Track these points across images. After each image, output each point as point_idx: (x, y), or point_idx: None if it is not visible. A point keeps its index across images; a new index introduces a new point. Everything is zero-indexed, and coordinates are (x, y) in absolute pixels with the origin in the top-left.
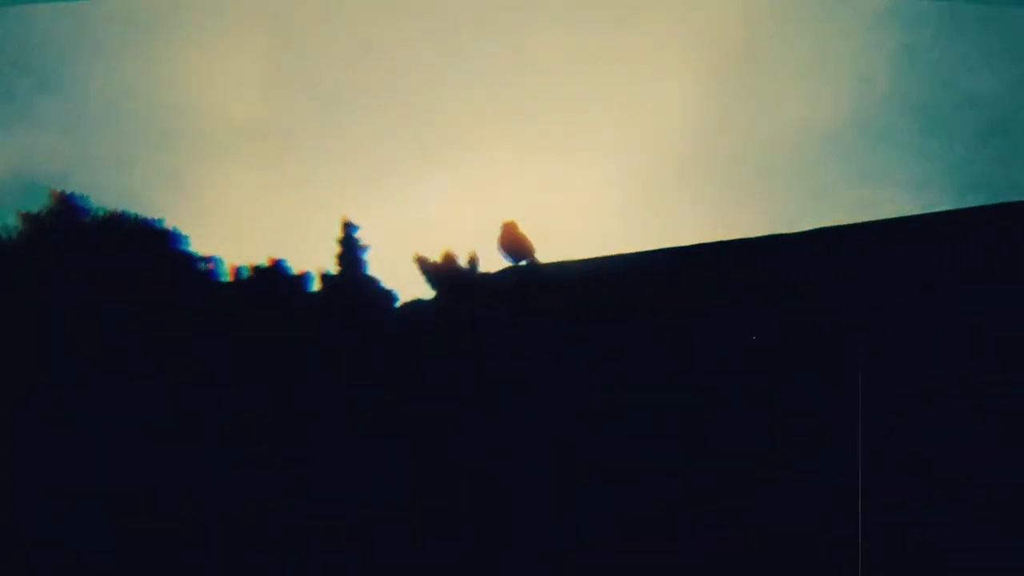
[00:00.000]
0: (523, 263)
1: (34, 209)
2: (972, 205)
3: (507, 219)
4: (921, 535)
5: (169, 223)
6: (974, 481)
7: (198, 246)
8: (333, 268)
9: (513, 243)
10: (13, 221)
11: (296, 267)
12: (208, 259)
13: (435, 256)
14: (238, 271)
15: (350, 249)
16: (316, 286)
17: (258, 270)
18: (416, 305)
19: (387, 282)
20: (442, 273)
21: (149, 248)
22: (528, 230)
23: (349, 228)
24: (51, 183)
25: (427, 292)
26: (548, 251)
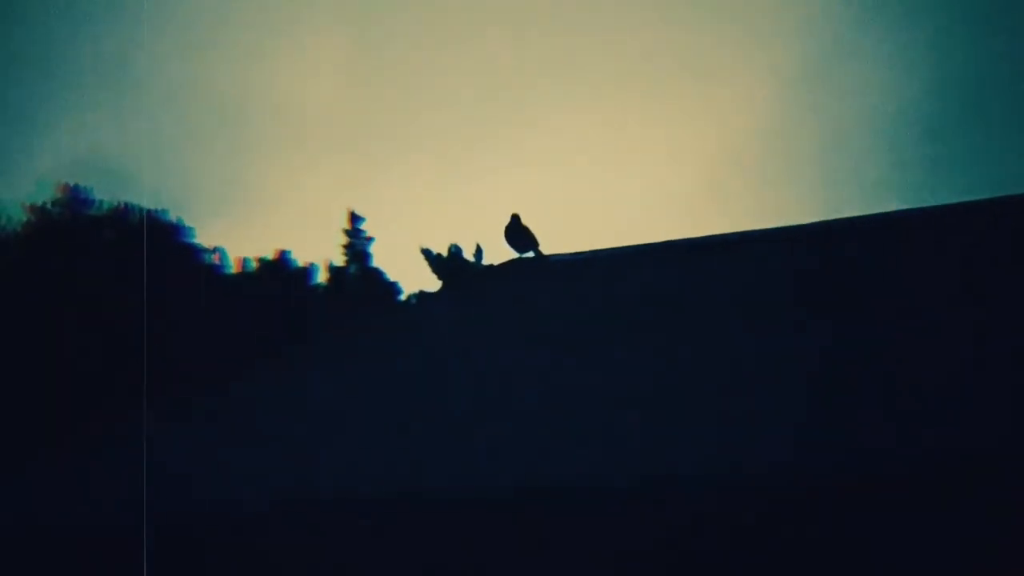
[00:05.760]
0: (529, 255)
1: (39, 201)
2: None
3: (513, 211)
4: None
5: (174, 215)
6: None
7: (203, 238)
8: (339, 259)
9: (517, 235)
10: (19, 213)
11: (301, 259)
12: (213, 250)
13: (440, 248)
14: (244, 263)
15: (356, 240)
16: (322, 277)
17: (263, 262)
18: (420, 296)
19: (392, 274)
20: (447, 265)
21: (154, 240)
22: (535, 222)
23: (355, 219)
24: (59, 175)
25: (432, 283)
26: (563, 243)
